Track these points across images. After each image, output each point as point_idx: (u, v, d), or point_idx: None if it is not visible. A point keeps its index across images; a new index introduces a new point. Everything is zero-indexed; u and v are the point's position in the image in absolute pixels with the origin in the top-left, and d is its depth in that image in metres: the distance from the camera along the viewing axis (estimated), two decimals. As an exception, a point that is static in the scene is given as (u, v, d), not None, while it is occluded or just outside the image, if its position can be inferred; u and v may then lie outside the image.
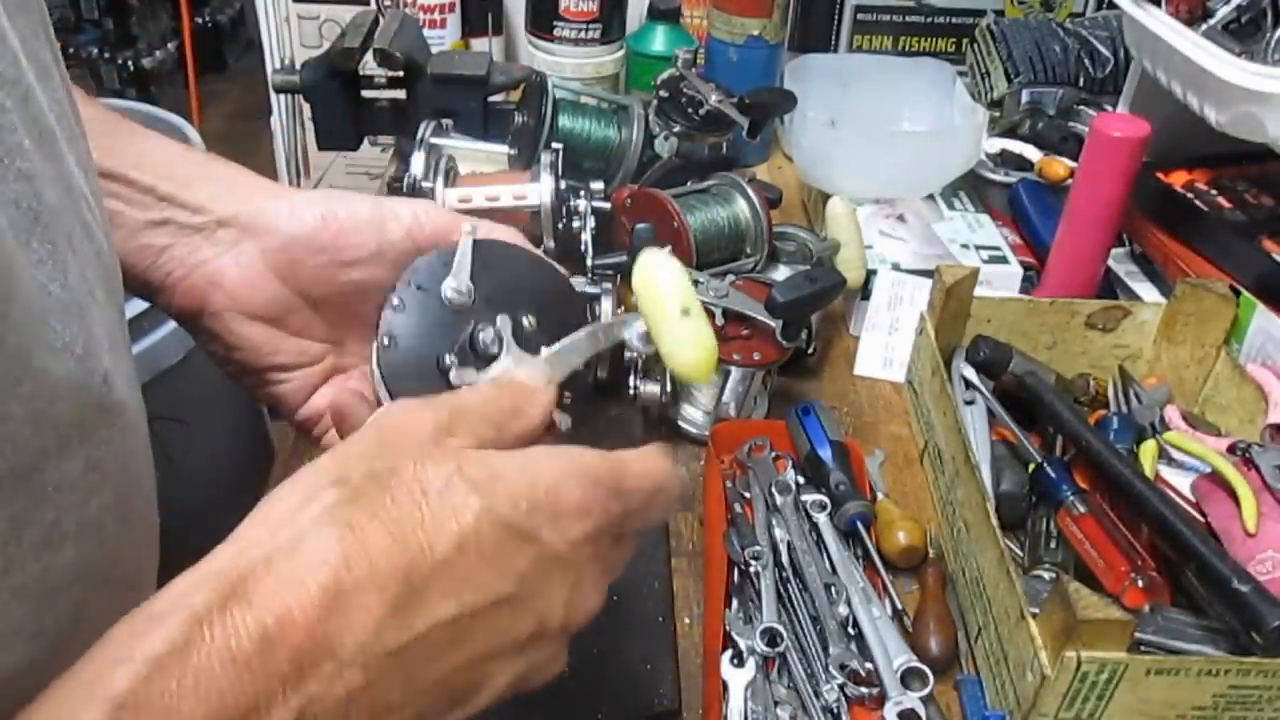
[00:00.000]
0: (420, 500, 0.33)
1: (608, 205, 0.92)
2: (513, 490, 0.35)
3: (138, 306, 0.52)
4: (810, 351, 0.93)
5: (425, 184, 0.83)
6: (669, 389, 0.84)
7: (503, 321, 0.44)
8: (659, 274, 0.42)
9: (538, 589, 0.35)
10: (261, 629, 0.30)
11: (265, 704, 0.30)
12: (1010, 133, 1.20)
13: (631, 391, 0.83)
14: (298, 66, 1.04)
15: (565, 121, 1.00)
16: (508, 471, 0.35)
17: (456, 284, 0.45)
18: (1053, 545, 0.72)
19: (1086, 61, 1.25)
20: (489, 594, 0.34)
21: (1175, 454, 0.77)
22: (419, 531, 0.33)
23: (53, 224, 0.34)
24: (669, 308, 0.41)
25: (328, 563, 0.31)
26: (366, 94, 1.06)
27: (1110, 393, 0.86)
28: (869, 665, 0.64)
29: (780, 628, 0.66)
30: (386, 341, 0.46)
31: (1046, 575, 0.70)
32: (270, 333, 0.51)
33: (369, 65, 1.03)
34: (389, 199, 0.51)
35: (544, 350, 0.44)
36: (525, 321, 0.45)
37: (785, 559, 0.71)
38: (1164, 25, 0.88)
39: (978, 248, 1.04)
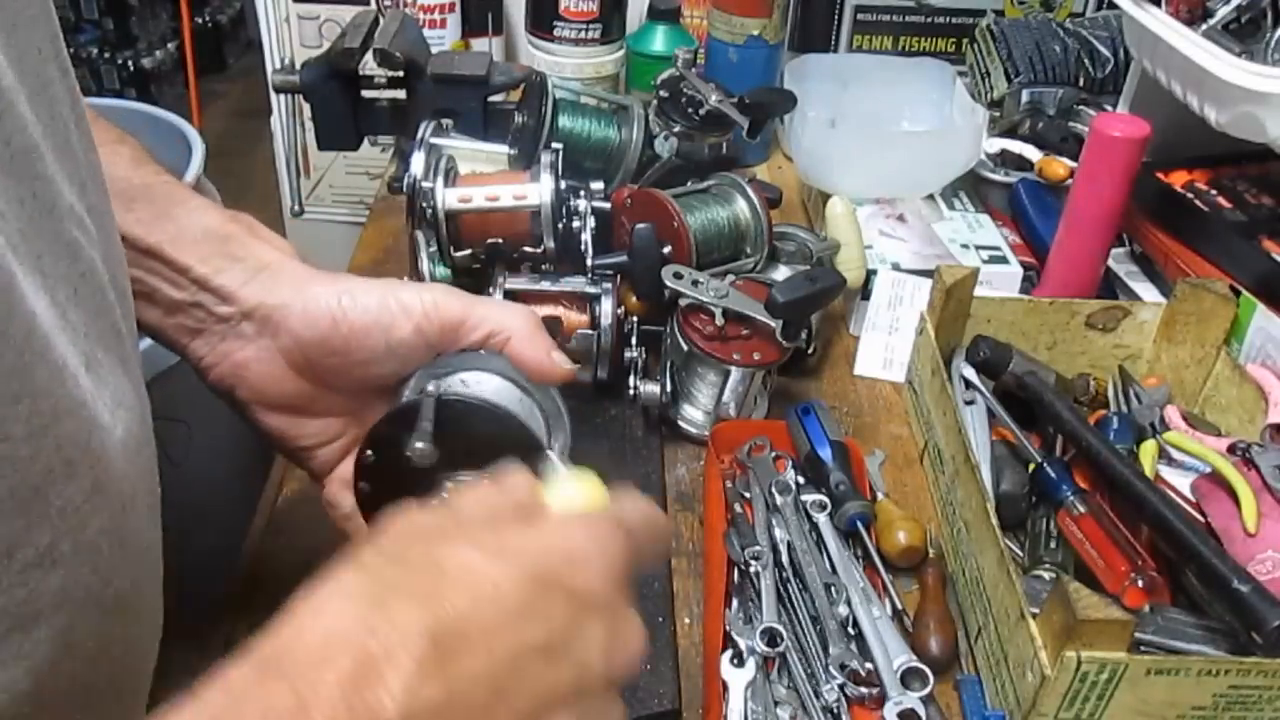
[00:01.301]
0: (437, 570, 0.34)
1: (608, 205, 0.92)
2: (523, 551, 0.36)
3: (137, 305, 0.53)
4: (810, 351, 0.93)
5: (425, 184, 0.83)
6: (669, 389, 0.84)
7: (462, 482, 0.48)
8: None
9: (571, 635, 0.35)
10: (296, 698, 0.30)
11: None
12: (1010, 133, 1.20)
13: (631, 392, 0.83)
14: (298, 66, 1.04)
15: (565, 121, 1.00)
16: (517, 539, 0.37)
17: (421, 446, 0.48)
18: (1053, 545, 0.72)
19: (1086, 61, 1.25)
20: (519, 644, 0.33)
21: (1175, 454, 0.77)
22: (439, 593, 0.33)
23: (19, 246, 0.33)
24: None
25: (354, 635, 0.31)
26: (366, 94, 1.06)
27: (1110, 393, 0.86)
28: (869, 665, 0.64)
29: (780, 628, 0.66)
30: (365, 486, 0.53)
31: (1046, 575, 0.70)
32: (293, 420, 0.56)
33: (369, 65, 1.03)
34: (401, 289, 0.53)
35: None
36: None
37: (785, 559, 0.71)
38: (1164, 25, 0.88)
39: (978, 248, 1.04)
